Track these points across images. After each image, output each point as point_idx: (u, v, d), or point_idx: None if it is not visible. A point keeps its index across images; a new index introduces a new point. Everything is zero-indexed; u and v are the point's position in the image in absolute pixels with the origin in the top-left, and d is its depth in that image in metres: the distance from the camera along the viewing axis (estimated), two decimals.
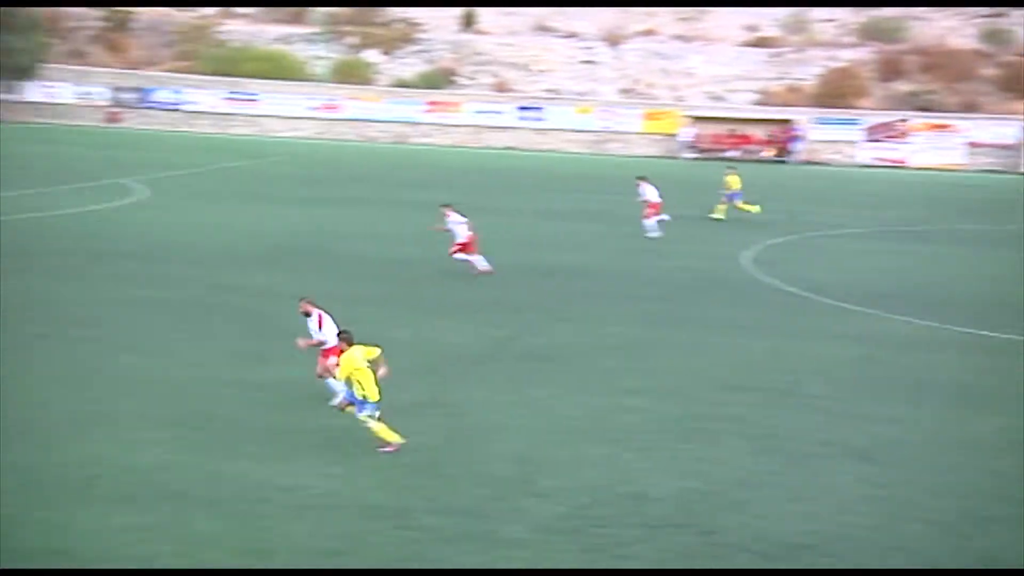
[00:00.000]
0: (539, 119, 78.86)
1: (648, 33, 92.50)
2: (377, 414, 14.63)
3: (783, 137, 77.67)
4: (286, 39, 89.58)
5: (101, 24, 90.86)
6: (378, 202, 41.57)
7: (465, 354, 20.32)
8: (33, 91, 78.76)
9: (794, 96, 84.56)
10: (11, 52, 74.76)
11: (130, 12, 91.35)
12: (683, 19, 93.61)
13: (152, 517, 12.33)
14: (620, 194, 41.19)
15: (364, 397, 14.61)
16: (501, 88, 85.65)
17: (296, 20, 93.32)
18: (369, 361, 14.75)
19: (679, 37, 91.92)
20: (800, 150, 76.96)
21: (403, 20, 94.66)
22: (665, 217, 36.33)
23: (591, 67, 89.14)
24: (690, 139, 77.36)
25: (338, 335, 15.49)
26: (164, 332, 20.88)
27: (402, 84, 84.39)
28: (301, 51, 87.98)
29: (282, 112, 78.60)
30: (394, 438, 14.65)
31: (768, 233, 37.75)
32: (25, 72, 77.27)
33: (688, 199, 43.77)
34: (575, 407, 17.23)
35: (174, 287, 24.90)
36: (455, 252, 28.08)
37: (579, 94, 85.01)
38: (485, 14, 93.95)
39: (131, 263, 27.40)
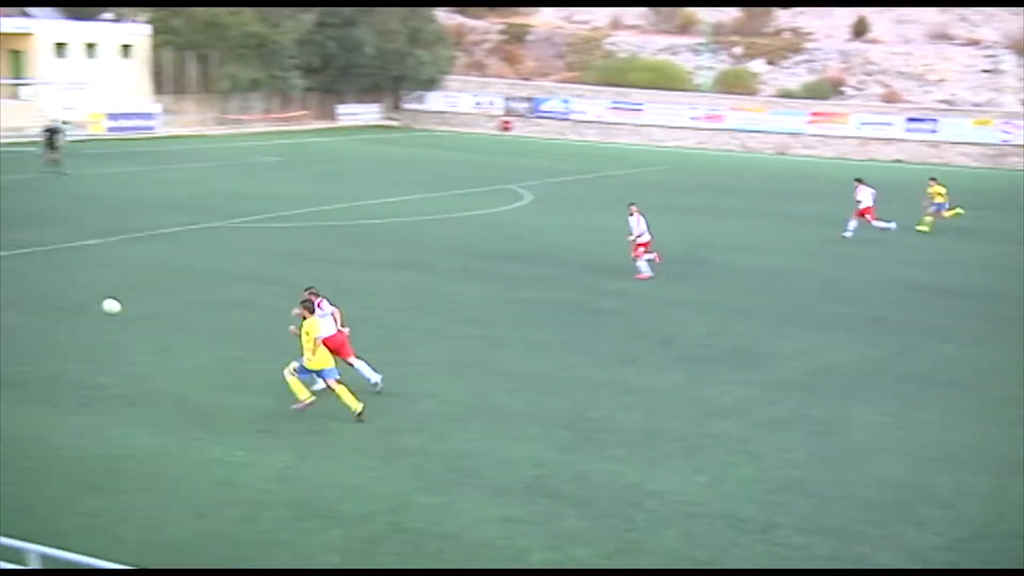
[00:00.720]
0: (931, 131, 75.03)
1: None
2: (310, 379, 15.83)
3: None
4: (672, 49, 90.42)
5: (499, 37, 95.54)
6: (756, 213, 41.07)
7: (841, 371, 19.76)
8: (437, 101, 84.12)
9: None
10: (420, 65, 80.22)
11: (527, 26, 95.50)
12: None
13: (526, 511, 12.88)
14: (1014, 211, 38.52)
15: (312, 367, 15.68)
16: (890, 99, 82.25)
17: (683, 31, 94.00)
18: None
19: None
20: None
21: (791, 29, 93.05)
22: (889, 225, 35.33)
23: (993, 76, 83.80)
24: None
25: (301, 303, 16.15)
26: (543, 332, 21.71)
27: (786, 94, 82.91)
28: (686, 61, 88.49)
29: (665, 121, 79.32)
30: (305, 395, 15.70)
31: None
32: (431, 83, 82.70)
33: None
34: (960, 433, 16.35)
35: (556, 289, 25.82)
36: (639, 253, 27.47)
37: (976, 105, 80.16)
38: (878, 22, 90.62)
39: (517, 265, 28.64)
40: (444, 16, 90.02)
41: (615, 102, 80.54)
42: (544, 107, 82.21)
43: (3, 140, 52.45)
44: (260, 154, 56.01)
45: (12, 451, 14.02)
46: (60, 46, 64.47)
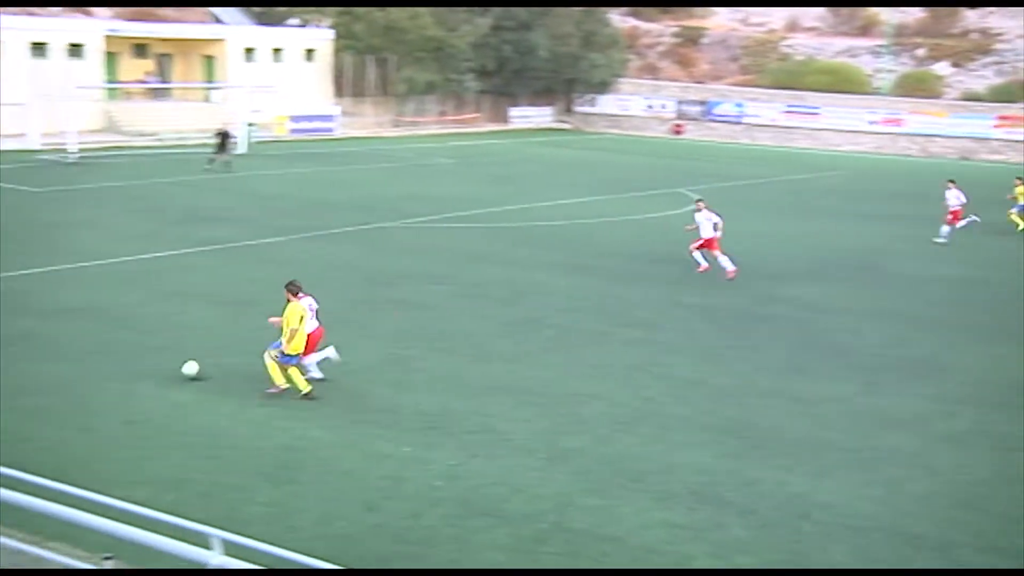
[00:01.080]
0: None
1: None
2: (296, 363, 16.41)
3: None
4: (851, 51, 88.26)
5: (673, 40, 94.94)
6: (936, 220, 39.71)
7: (1021, 384, 18.96)
8: (609, 104, 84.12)
9: None
10: (593, 68, 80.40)
11: (702, 28, 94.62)
12: None
13: (690, 517, 12.80)
14: None
15: (291, 352, 16.26)
16: None
17: (864, 32, 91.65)
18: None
19: None
20: None
21: (980, 30, 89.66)
22: (975, 219, 36.19)
23: None
24: None
25: (286, 286, 16.42)
26: (712, 338, 21.50)
27: (971, 97, 79.93)
28: (866, 64, 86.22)
29: (842, 126, 77.45)
30: (281, 381, 16.32)
31: None
32: (604, 86, 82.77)
33: None
34: None
35: (724, 295, 25.54)
36: (696, 248, 27.43)
37: None
38: None
39: (681, 269, 28.40)
40: (618, 19, 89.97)
41: (790, 106, 79.07)
42: (717, 111, 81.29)
43: (194, 141, 54.80)
44: (435, 156, 57.03)
45: (197, 440, 14.68)
46: (249, 51, 67.04)
